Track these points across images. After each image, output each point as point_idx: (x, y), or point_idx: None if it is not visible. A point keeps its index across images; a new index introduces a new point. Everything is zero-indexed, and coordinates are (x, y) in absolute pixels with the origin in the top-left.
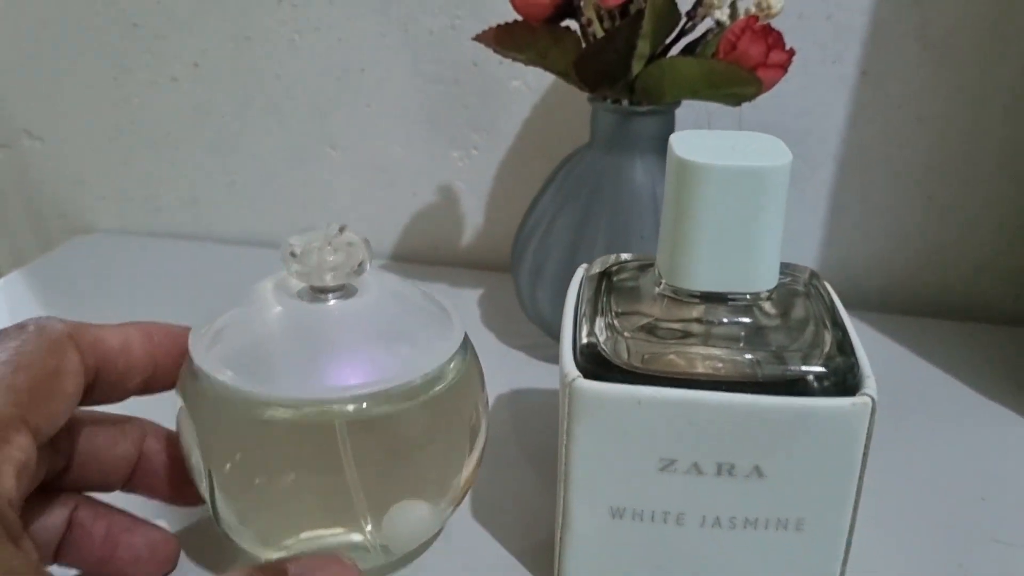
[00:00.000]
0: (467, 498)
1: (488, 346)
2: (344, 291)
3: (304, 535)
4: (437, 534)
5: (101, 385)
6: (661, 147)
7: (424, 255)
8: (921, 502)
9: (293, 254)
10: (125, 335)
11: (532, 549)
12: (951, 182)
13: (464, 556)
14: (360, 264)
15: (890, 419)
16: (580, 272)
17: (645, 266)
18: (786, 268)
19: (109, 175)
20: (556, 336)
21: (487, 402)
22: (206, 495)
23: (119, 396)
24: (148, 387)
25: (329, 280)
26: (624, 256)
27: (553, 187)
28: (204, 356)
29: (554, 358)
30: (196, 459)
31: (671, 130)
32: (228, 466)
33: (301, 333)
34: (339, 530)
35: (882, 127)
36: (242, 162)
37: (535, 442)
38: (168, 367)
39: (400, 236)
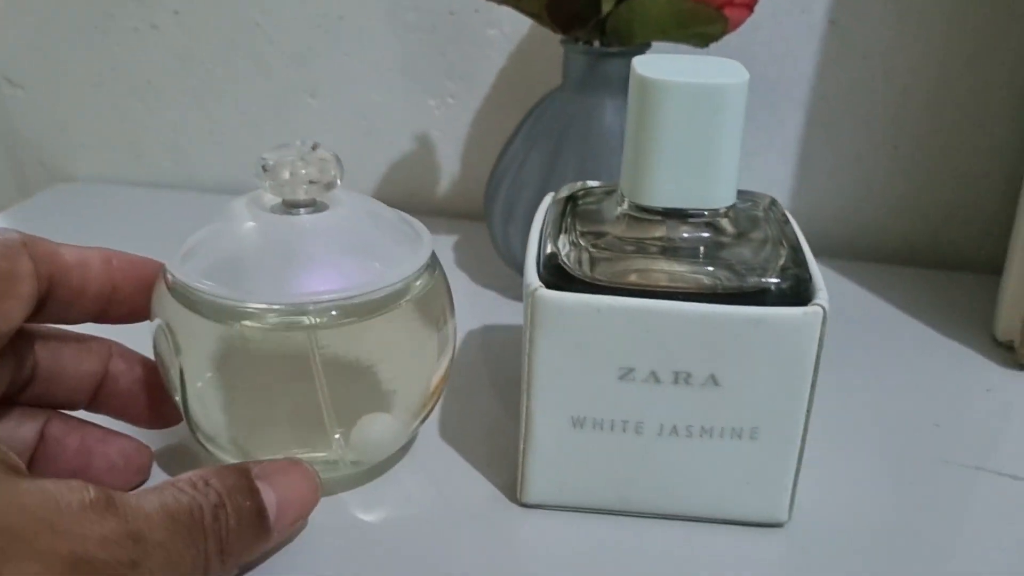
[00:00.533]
0: (436, 420)
1: (462, 287)
2: (316, 206)
3: (278, 453)
4: (406, 448)
5: (56, 298)
6: None
7: (400, 203)
8: (877, 425)
9: (266, 168)
10: (82, 254)
11: (497, 463)
12: (917, 132)
13: (430, 470)
14: (332, 179)
15: (852, 355)
16: (548, 198)
17: (610, 191)
18: (748, 195)
19: (90, 123)
20: None
21: (454, 317)
22: (182, 409)
23: (76, 315)
24: (106, 312)
25: (302, 194)
26: (591, 183)
27: (525, 129)
28: (180, 268)
29: None
30: (173, 375)
31: None
32: (205, 377)
33: (273, 245)
34: (309, 448)
35: (850, 77)
36: (223, 110)
37: (504, 372)
38: (127, 293)
39: (377, 184)
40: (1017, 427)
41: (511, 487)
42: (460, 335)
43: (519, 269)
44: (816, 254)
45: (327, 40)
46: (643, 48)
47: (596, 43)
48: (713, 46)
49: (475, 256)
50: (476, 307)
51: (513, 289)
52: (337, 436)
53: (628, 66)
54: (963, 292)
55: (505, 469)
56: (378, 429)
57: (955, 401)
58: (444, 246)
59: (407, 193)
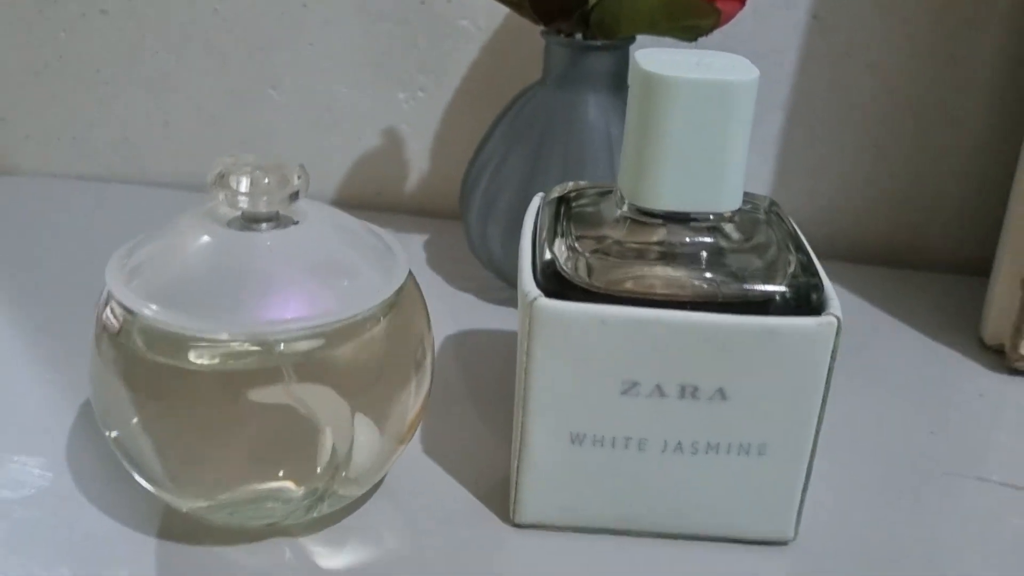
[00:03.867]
0: (418, 435)
1: (435, 289)
2: (279, 221)
3: (239, 488)
4: (376, 484)
5: None
6: (615, 84)
7: (368, 201)
8: (872, 436)
9: (222, 175)
10: None
11: (487, 482)
12: (899, 131)
13: (409, 495)
14: (296, 189)
15: (840, 359)
16: (537, 199)
17: (605, 192)
18: (746, 196)
19: (33, 113)
20: (505, 276)
21: (432, 339)
22: (124, 451)
23: None
24: None
25: (263, 205)
26: (582, 183)
27: (503, 125)
28: (123, 291)
29: (504, 300)
30: (114, 412)
31: (625, 67)
32: (152, 413)
33: (232, 265)
34: (277, 482)
35: (832, 74)
36: (177, 102)
37: (485, 381)
38: None
39: (343, 180)
40: (1011, 434)
41: (502, 506)
42: (438, 340)
43: (497, 270)
44: None
45: (290, 29)
46: (627, 42)
47: (579, 36)
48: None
49: (448, 256)
50: (452, 311)
51: (490, 291)
52: (321, 464)
53: (612, 60)
54: (946, 294)
55: (495, 487)
56: (369, 448)
57: (949, 407)
58: (415, 245)
59: (374, 191)
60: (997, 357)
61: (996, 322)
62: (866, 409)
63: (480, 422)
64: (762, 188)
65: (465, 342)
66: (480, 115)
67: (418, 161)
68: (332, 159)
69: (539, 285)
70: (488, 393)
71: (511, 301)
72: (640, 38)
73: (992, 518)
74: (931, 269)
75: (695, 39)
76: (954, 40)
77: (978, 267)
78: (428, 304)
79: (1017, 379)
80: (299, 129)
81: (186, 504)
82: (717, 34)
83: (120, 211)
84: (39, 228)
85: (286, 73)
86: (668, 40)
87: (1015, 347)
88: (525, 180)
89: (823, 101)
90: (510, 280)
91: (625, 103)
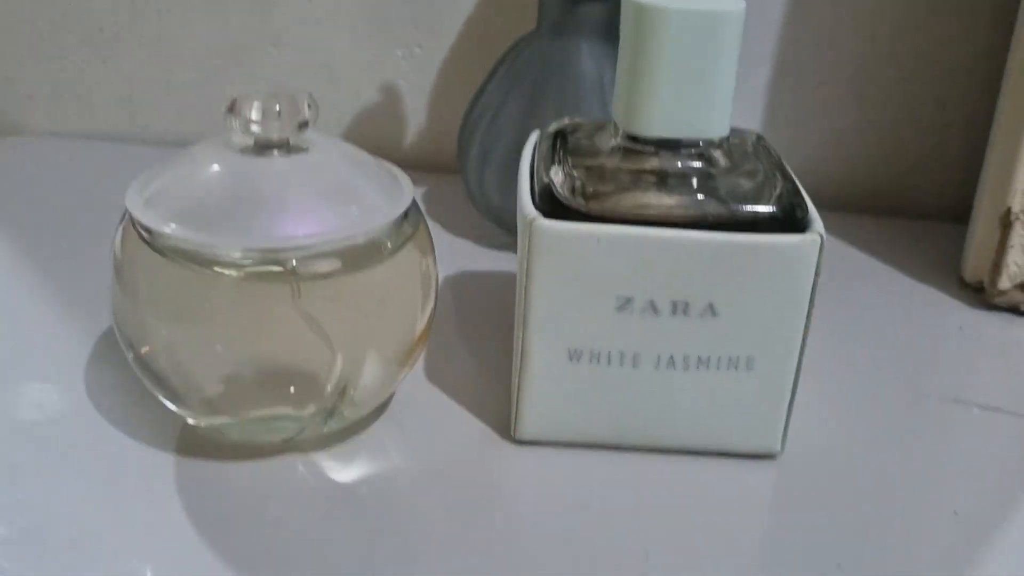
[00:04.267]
0: (418, 366)
1: (435, 237)
2: (289, 148)
3: (253, 403)
4: (381, 407)
5: None
6: (608, 32)
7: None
8: (856, 363)
9: (235, 103)
10: None
11: (487, 404)
12: (882, 81)
13: (413, 418)
14: (307, 118)
15: (825, 300)
16: (534, 135)
17: (600, 127)
18: (734, 131)
19: (37, 73)
20: (504, 223)
21: (436, 266)
22: (145, 369)
23: None
24: None
25: (275, 132)
26: (578, 119)
27: (499, 75)
28: (144, 213)
29: (502, 245)
30: (132, 329)
31: (617, 16)
32: (171, 330)
33: (246, 189)
34: (293, 403)
35: (816, 26)
36: (180, 59)
37: (485, 317)
38: None
39: (343, 136)
40: (989, 362)
41: (503, 425)
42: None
43: (495, 217)
44: None
45: None
46: None
47: None
48: None
49: (447, 207)
50: (452, 256)
51: (488, 238)
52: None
53: (606, 9)
54: (929, 239)
55: (496, 408)
56: (375, 371)
57: (930, 340)
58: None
59: (373, 146)
60: (977, 294)
61: (976, 260)
62: (850, 341)
63: (481, 353)
64: None
65: (465, 283)
66: (477, 69)
67: (416, 116)
68: (332, 115)
69: (537, 207)
70: (488, 327)
71: (510, 247)
72: None
73: (969, 437)
74: (915, 216)
75: None
76: None
77: (961, 214)
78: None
79: (996, 314)
80: (299, 85)
81: (203, 420)
82: None
83: (124, 169)
84: (46, 187)
85: (286, 29)
86: None
87: (994, 283)
88: (521, 128)
89: (807, 52)
90: (508, 227)
91: (617, 51)
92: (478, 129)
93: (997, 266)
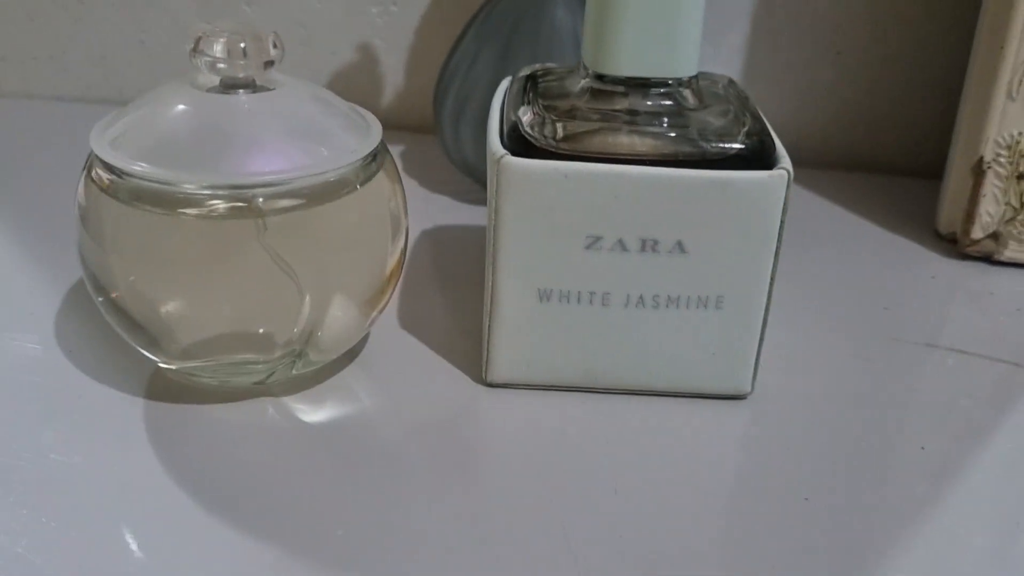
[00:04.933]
0: (393, 314)
1: (411, 193)
2: (255, 88)
3: (222, 343)
4: (353, 352)
5: None
6: None
7: None
8: (830, 310)
9: (198, 44)
10: None
11: (461, 351)
12: (858, 38)
13: (394, 360)
14: (271, 58)
15: (801, 252)
16: (506, 81)
17: (570, 71)
18: (705, 75)
19: (9, 34)
20: (479, 178)
21: (405, 203)
22: (112, 311)
23: None
24: None
25: (240, 71)
26: (549, 64)
27: (474, 28)
28: (108, 152)
29: (478, 200)
30: (102, 272)
31: None
32: (139, 273)
33: (211, 128)
34: (260, 348)
35: None
36: (153, 18)
37: (461, 267)
38: None
39: None
40: (961, 308)
41: (475, 369)
42: (414, 235)
43: (470, 172)
44: None
45: None
46: None
47: None
48: None
49: (424, 165)
50: (428, 210)
51: (464, 193)
52: (297, 328)
53: None
54: (904, 194)
55: (468, 354)
56: (343, 313)
57: (903, 288)
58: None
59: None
60: (951, 246)
61: (950, 211)
62: (824, 290)
63: (455, 302)
64: None
65: (440, 236)
66: (453, 27)
67: (392, 75)
68: (306, 74)
69: (505, 146)
70: (462, 277)
71: (485, 201)
72: None
73: (938, 378)
74: (891, 173)
75: None
76: None
77: (937, 170)
78: (406, 204)
79: (968, 263)
80: None
81: (174, 364)
82: None
83: None
84: (23, 148)
85: None
86: None
87: (967, 232)
88: (494, 81)
89: (785, 11)
90: (483, 181)
91: None
92: (453, 83)
93: (970, 215)
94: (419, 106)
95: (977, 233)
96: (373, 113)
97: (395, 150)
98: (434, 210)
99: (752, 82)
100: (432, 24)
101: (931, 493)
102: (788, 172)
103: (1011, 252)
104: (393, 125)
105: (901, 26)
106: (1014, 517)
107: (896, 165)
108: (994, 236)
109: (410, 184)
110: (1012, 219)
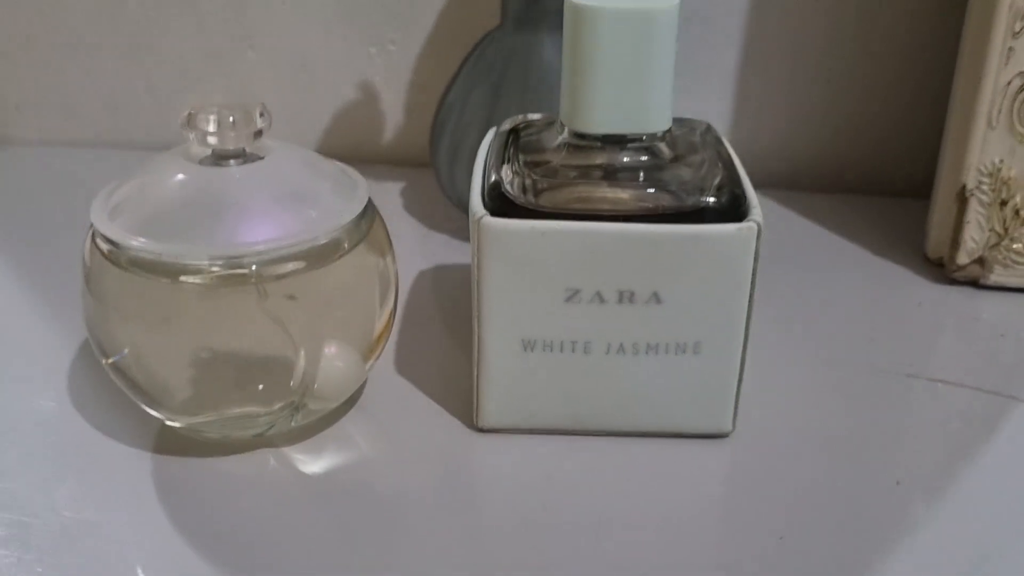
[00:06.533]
0: (390, 358)
1: (410, 231)
2: (246, 157)
3: (227, 408)
4: (351, 400)
5: None
6: None
7: (346, 154)
8: (814, 340)
9: (191, 116)
10: None
11: (455, 395)
12: (848, 61)
13: (382, 409)
14: (260, 127)
15: (789, 278)
16: (491, 132)
17: (550, 122)
18: (684, 122)
19: (23, 83)
20: None
21: (395, 262)
22: (120, 375)
23: None
24: None
25: (230, 142)
26: (532, 116)
27: (465, 69)
28: (108, 226)
29: None
30: (107, 339)
31: None
32: (143, 339)
33: (206, 197)
34: (261, 401)
35: (782, 7)
36: (159, 64)
37: (456, 309)
38: None
39: (321, 136)
40: (947, 337)
41: (467, 415)
42: (411, 275)
43: (466, 209)
44: (756, 186)
45: None
46: None
47: None
48: None
49: (424, 202)
50: (426, 249)
51: (463, 231)
52: (294, 381)
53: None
54: (894, 216)
55: (461, 399)
56: (344, 362)
57: (888, 316)
58: (392, 193)
59: (352, 144)
60: (939, 270)
61: (937, 236)
62: (810, 319)
63: (449, 344)
64: (721, 124)
65: (437, 276)
66: (449, 64)
67: (392, 113)
68: (310, 116)
69: (486, 205)
70: (457, 319)
71: None
72: None
73: (922, 410)
74: (881, 194)
75: None
76: None
77: (926, 191)
78: (404, 245)
79: (955, 288)
80: (278, 87)
81: (178, 421)
82: None
83: (112, 175)
84: (39, 195)
85: (261, 30)
86: None
87: (952, 258)
88: (486, 123)
89: (774, 36)
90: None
91: None
92: (447, 125)
93: (955, 241)
94: (420, 141)
95: (963, 259)
96: (375, 149)
97: (395, 187)
98: (432, 249)
99: (744, 107)
100: (430, 61)
101: (903, 529)
102: (758, 224)
103: (997, 276)
104: (394, 161)
105: (891, 48)
106: (984, 551)
107: (887, 186)
108: (980, 261)
109: (410, 222)
110: (997, 244)
